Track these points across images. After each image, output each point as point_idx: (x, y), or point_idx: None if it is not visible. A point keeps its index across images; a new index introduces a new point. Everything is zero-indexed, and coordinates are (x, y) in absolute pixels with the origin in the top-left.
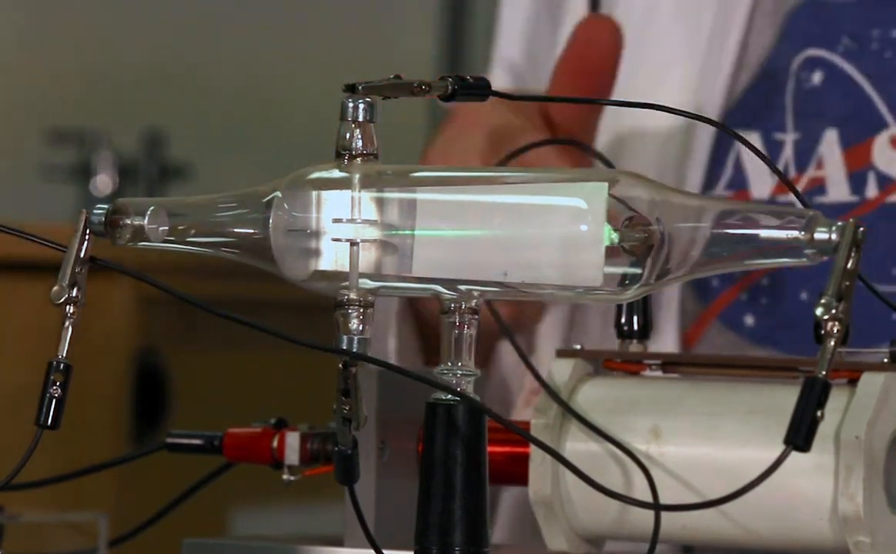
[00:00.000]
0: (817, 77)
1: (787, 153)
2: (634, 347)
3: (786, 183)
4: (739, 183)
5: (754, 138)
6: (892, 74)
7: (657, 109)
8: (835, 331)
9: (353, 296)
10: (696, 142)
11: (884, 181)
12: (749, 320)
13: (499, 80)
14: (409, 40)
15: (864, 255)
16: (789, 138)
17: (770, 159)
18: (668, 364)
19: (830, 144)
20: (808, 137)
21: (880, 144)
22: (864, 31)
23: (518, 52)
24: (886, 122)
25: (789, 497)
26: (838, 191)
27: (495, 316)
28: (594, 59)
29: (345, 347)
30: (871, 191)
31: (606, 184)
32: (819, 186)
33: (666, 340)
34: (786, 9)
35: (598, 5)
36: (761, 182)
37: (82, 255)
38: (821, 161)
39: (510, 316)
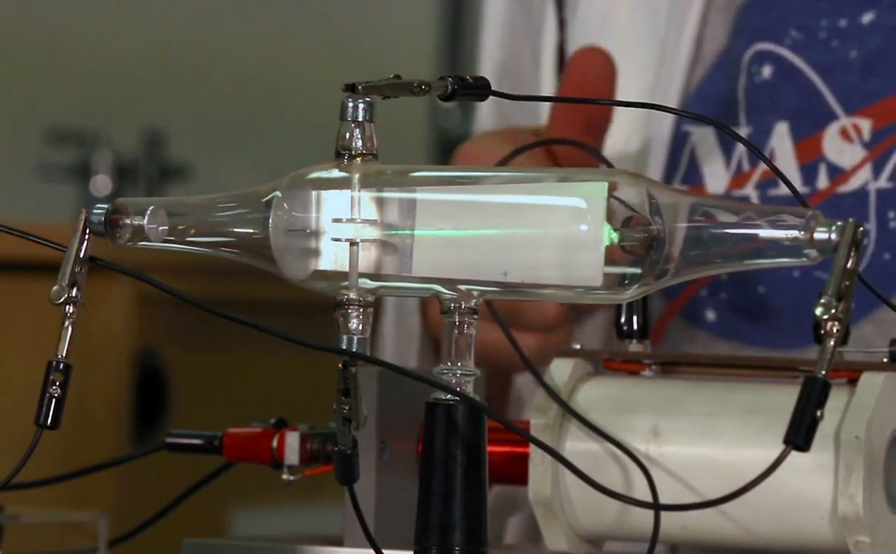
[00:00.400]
0: (767, 71)
1: (740, 147)
2: (634, 347)
3: (783, 180)
4: (695, 180)
5: (709, 134)
6: (840, 64)
7: (656, 109)
8: (835, 331)
9: (352, 296)
10: (653, 142)
11: (834, 172)
12: (710, 315)
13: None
14: (409, 40)
15: None
16: (741, 132)
17: (766, 157)
18: (668, 364)
19: (781, 137)
20: (759, 131)
21: (830, 136)
22: (811, 21)
23: (503, 59)
24: (836, 115)
25: (789, 497)
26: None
27: (495, 316)
28: (590, 89)
29: (345, 347)
30: (822, 182)
31: (606, 184)
32: (771, 179)
33: None
34: (737, 3)
35: (563, 5)
36: (716, 178)
37: (82, 255)
38: (772, 154)
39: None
